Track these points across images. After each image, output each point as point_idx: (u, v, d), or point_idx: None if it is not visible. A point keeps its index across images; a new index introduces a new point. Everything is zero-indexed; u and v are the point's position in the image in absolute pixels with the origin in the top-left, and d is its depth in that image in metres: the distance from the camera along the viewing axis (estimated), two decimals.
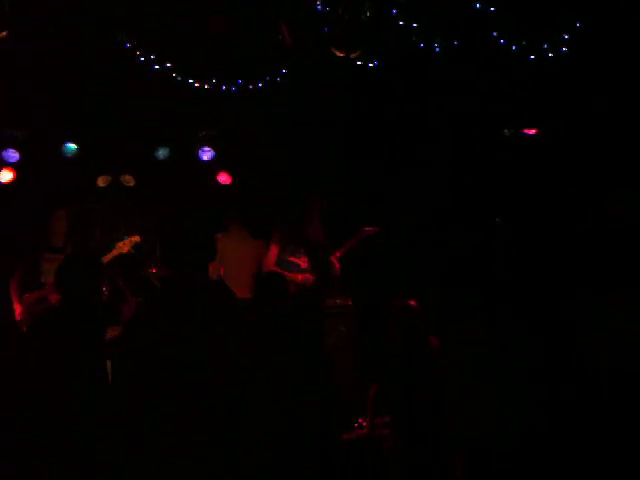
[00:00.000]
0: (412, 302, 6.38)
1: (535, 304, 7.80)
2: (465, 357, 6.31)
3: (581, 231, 8.17)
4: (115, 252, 7.65)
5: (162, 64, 7.58)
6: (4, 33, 6.20)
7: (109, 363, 5.84)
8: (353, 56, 7.10)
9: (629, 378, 5.96)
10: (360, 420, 6.85)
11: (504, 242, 8.51)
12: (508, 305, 7.70)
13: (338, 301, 8.18)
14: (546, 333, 7.24)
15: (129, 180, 8.98)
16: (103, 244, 8.33)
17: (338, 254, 7.57)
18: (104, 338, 5.54)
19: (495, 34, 7.09)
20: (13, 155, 8.47)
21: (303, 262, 7.49)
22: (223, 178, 9.04)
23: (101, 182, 8.94)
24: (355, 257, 7.68)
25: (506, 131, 8.73)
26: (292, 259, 7.47)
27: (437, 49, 7.44)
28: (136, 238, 7.75)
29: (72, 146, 8.71)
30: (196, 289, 3.92)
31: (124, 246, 7.65)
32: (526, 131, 8.63)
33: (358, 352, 7.92)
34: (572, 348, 7.16)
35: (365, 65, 7.45)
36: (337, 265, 7.55)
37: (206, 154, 8.94)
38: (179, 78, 7.73)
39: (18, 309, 7.19)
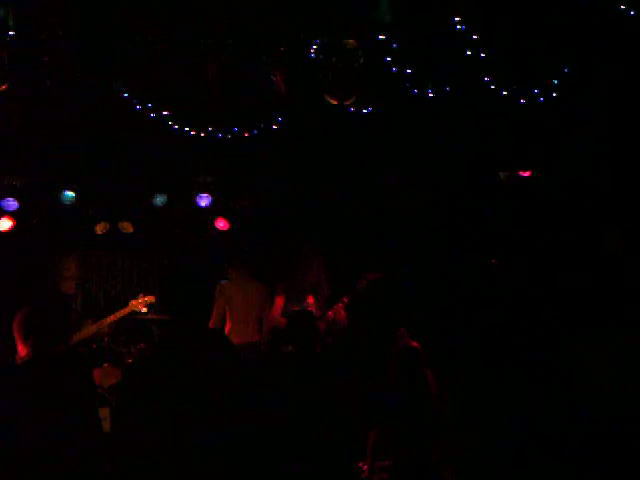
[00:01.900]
0: (414, 344, 6.41)
1: (529, 343, 7.87)
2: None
3: (575, 270, 8.23)
4: (128, 310, 7.72)
5: (159, 113, 7.66)
6: (4, 86, 6.28)
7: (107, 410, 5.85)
8: (347, 103, 7.17)
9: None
10: (360, 464, 6.82)
11: (499, 283, 8.55)
12: (503, 346, 7.79)
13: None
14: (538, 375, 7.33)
15: (127, 227, 9.02)
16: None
17: (345, 300, 7.58)
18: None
19: (487, 79, 7.18)
20: (12, 204, 8.52)
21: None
22: (221, 224, 9.10)
23: (99, 229, 8.98)
24: (358, 303, 7.68)
25: (501, 174, 8.79)
26: (297, 309, 7.49)
27: (430, 94, 7.53)
28: (151, 298, 7.81)
29: (70, 194, 8.77)
30: (195, 336, 3.95)
31: (138, 305, 7.71)
32: (521, 173, 8.69)
33: (360, 395, 7.90)
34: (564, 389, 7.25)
35: (359, 112, 7.52)
36: (343, 313, 7.57)
37: (203, 200, 9.00)
38: (175, 126, 7.81)
39: (23, 351, 7.22)
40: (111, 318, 7.76)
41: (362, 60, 6.95)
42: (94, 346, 7.96)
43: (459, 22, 6.91)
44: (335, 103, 7.07)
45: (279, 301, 7.53)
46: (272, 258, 8.34)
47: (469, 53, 6.92)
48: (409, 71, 7.25)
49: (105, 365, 7.91)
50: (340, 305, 7.61)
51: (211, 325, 8.10)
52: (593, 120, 7.67)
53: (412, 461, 5.95)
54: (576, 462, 6.20)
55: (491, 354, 7.81)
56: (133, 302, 7.75)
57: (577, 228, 8.34)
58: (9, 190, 8.56)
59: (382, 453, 6.47)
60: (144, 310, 7.76)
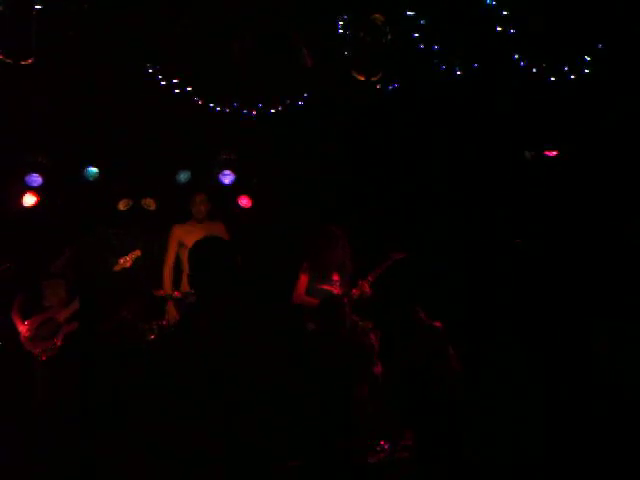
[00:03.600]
0: (437, 323, 6.39)
1: (551, 322, 7.84)
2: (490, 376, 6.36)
3: (600, 252, 8.16)
4: (117, 268, 7.70)
5: (183, 88, 7.63)
6: (29, 60, 6.26)
7: None
8: (374, 79, 7.10)
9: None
10: (382, 442, 6.82)
11: (524, 263, 8.51)
12: (527, 325, 7.76)
13: (361, 323, 8.17)
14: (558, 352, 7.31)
15: (150, 204, 9.00)
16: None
17: (370, 278, 7.56)
18: None
19: (515, 56, 7.09)
20: (36, 179, 8.53)
21: (335, 289, 7.48)
22: (244, 202, 9.07)
23: (122, 206, 8.97)
24: (382, 280, 7.66)
25: (527, 153, 8.70)
26: (324, 287, 7.46)
27: (457, 72, 7.45)
28: (137, 252, 7.78)
29: (93, 170, 8.77)
30: (222, 314, 3.91)
31: (126, 262, 7.68)
32: (547, 153, 8.60)
33: (381, 375, 7.90)
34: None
35: (385, 88, 7.46)
36: (369, 289, 7.56)
37: (227, 178, 8.97)
38: (200, 102, 7.77)
39: (24, 330, 7.29)
40: None
41: (390, 36, 6.88)
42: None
43: None
44: (362, 79, 7.01)
45: (303, 279, 7.50)
46: (296, 236, 8.30)
47: (499, 29, 6.83)
48: (436, 47, 7.18)
49: None
50: (365, 282, 7.58)
51: (165, 274, 8.14)
52: (625, 99, 7.54)
53: (433, 440, 5.95)
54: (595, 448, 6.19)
55: (515, 335, 7.78)
56: (121, 260, 7.72)
57: (603, 210, 8.25)
58: (33, 166, 8.55)
59: (403, 432, 6.49)
60: (128, 265, 7.73)
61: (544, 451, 6.16)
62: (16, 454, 6.38)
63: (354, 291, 7.53)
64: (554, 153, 8.62)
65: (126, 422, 5.01)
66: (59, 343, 7.36)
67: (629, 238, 8.13)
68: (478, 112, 8.13)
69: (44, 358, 7.32)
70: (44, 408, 7.21)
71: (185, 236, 8.01)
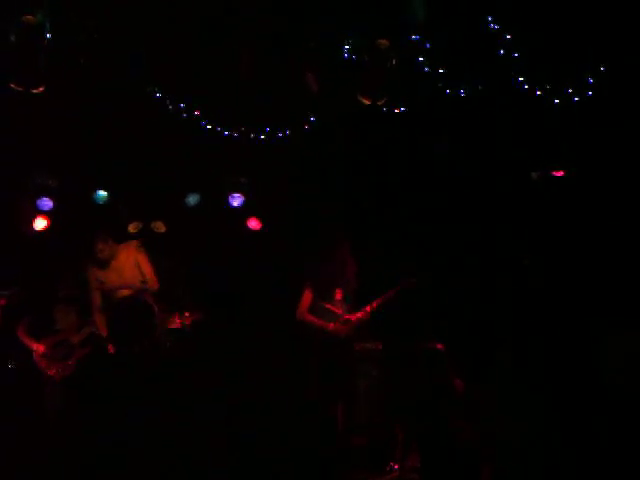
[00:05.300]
0: (439, 346, 6.41)
1: (561, 342, 7.86)
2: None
3: (607, 270, 8.18)
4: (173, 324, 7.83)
5: (191, 113, 7.71)
6: (40, 89, 6.36)
7: None
8: (379, 103, 7.16)
9: None
10: (391, 463, 6.84)
11: (532, 283, 8.53)
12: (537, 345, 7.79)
13: (369, 345, 8.20)
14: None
15: (160, 226, 9.06)
16: None
17: (375, 305, 7.55)
18: None
19: (520, 79, 7.15)
20: (47, 203, 8.62)
21: (338, 309, 7.49)
22: (253, 224, 9.13)
23: (132, 228, 9.04)
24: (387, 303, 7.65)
25: (534, 174, 8.73)
26: (329, 307, 7.44)
27: (462, 94, 7.51)
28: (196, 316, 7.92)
29: (103, 193, 8.84)
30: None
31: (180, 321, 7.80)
32: (554, 173, 8.62)
33: (388, 396, 7.92)
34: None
35: (391, 111, 7.52)
36: (369, 315, 7.55)
37: (236, 200, 9.04)
38: (208, 126, 7.85)
39: (41, 348, 7.35)
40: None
41: (394, 60, 6.94)
42: None
43: (492, 21, 6.90)
44: (368, 103, 7.07)
45: (307, 296, 7.50)
46: (302, 255, 8.36)
47: (502, 52, 6.90)
48: (441, 71, 7.24)
49: None
50: (367, 307, 7.57)
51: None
52: (628, 120, 7.58)
53: (439, 462, 5.95)
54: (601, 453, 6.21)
55: (524, 354, 7.81)
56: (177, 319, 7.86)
57: (610, 229, 8.27)
58: (44, 190, 8.64)
59: (412, 453, 6.50)
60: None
61: (553, 467, 6.19)
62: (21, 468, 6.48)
63: (359, 314, 7.50)
64: (561, 173, 8.65)
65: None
66: (73, 365, 7.44)
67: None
68: (484, 133, 8.17)
69: (58, 379, 7.39)
70: (53, 426, 7.30)
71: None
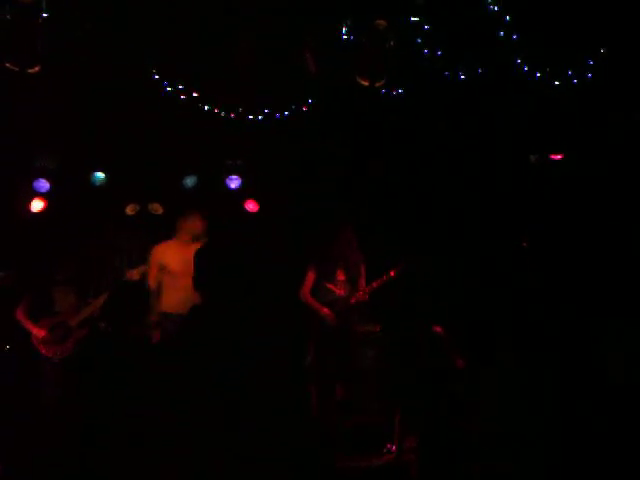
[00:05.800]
0: (438, 329, 6.43)
1: (558, 323, 7.87)
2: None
3: (605, 254, 8.18)
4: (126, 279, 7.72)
5: (189, 94, 7.68)
6: (36, 68, 6.32)
7: None
8: (378, 85, 7.14)
9: None
10: (388, 445, 6.87)
11: (530, 266, 8.53)
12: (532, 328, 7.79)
13: (367, 327, 8.20)
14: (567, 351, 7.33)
15: (157, 208, 9.04)
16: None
17: (374, 285, 7.56)
18: None
19: (519, 61, 7.12)
20: (44, 185, 8.59)
21: (339, 290, 7.53)
22: (251, 206, 9.12)
23: (129, 210, 9.02)
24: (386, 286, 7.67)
25: (532, 157, 8.72)
26: (331, 287, 7.52)
27: (461, 77, 7.48)
28: (144, 267, 7.77)
29: (101, 175, 8.82)
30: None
31: (133, 275, 7.68)
32: (552, 156, 8.61)
33: (386, 377, 7.93)
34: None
35: (389, 93, 7.49)
36: (367, 296, 7.57)
37: (233, 182, 9.02)
38: (206, 108, 7.82)
39: (41, 332, 7.33)
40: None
41: (393, 42, 6.91)
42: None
43: (491, 3, 6.87)
44: (366, 84, 7.05)
45: (310, 276, 7.56)
46: (301, 237, 8.35)
47: (502, 33, 6.87)
48: (440, 53, 7.21)
49: None
50: (366, 288, 7.60)
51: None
52: (628, 103, 7.56)
53: (437, 441, 5.98)
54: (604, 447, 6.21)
55: (522, 337, 7.81)
56: (129, 272, 7.72)
57: (608, 213, 8.27)
58: (41, 172, 8.61)
59: (409, 434, 6.53)
60: (136, 278, 7.72)
61: (551, 455, 6.19)
62: (19, 454, 6.47)
63: (358, 294, 7.56)
64: (559, 156, 8.64)
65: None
66: (71, 347, 7.43)
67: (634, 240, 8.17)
68: (482, 116, 8.15)
69: (57, 360, 7.39)
70: (51, 409, 7.29)
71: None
